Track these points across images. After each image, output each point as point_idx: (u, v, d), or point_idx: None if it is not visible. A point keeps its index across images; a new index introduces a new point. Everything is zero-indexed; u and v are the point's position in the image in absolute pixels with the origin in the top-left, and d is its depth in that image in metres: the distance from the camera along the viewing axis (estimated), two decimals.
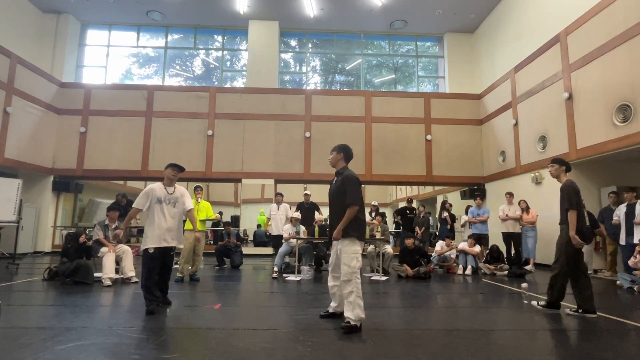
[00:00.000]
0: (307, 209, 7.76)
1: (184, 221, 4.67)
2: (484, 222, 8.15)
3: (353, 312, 3.13)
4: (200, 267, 7.66)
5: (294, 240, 6.79)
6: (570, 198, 3.94)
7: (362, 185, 14.94)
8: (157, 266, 3.83)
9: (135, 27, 12.89)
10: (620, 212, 6.23)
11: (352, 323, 3.12)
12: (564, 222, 4.00)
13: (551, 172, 4.25)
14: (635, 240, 5.83)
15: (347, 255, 3.27)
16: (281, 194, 7.81)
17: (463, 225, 8.73)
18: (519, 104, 9.30)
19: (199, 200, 6.29)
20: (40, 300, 4.42)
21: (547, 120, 8.23)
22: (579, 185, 7.60)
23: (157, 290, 3.85)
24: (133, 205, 3.87)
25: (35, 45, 11.60)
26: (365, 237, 3.65)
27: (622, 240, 6.10)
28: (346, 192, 3.31)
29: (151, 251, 3.78)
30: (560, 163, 4.19)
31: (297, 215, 7.33)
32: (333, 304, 3.57)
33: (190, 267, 6.02)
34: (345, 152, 3.54)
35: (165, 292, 4.03)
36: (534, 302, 4.20)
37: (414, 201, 13.07)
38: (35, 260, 8.62)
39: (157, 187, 3.95)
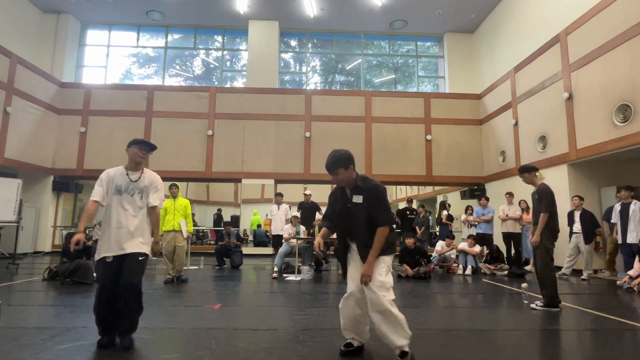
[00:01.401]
0: (307, 209, 7.76)
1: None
2: (489, 221, 8.15)
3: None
4: (201, 267, 7.67)
5: (294, 241, 6.80)
6: (547, 201, 4.15)
7: None
8: (112, 282, 2.67)
9: (135, 27, 12.88)
10: (615, 211, 6.24)
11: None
12: (537, 223, 4.20)
13: (524, 181, 4.44)
14: (631, 240, 5.84)
15: (381, 285, 2.43)
16: (281, 194, 7.80)
17: (465, 222, 8.72)
18: (519, 104, 9.30)
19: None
20: (40, 300, 4.42)
21: (547, 120, 8.23)
22: (579, 185, 7.68)
23: (112, 318, 2.70)
24: (91, 197, 2.76)
25: (35, 45, 11.59)
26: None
27: (620, 239, 6.12)
28: (377, 208, 2.50)
29: (109, 260, 2.69)
30: (529, 170, 4.37)
31: (297, 214, 7.34)
32: (343, 322, 2.72)
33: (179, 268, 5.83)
34: (353, 162, 2.57)
35: (125, 325, 2.71)
36: (533, 304, 4.19)
37: (414, 201, 13.08)
38: (35, 260, 8.62)
39: (116, 172, 2.89)
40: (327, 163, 2.55)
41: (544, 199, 4.16)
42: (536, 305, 4.16)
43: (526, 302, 4.44)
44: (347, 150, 2.60)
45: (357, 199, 2.55)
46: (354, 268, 2.58)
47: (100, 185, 2.81)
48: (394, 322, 2.37)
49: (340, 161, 2.52)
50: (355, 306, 2.55)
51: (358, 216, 2.55)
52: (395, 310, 2.37)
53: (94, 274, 5.45)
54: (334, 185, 2.76)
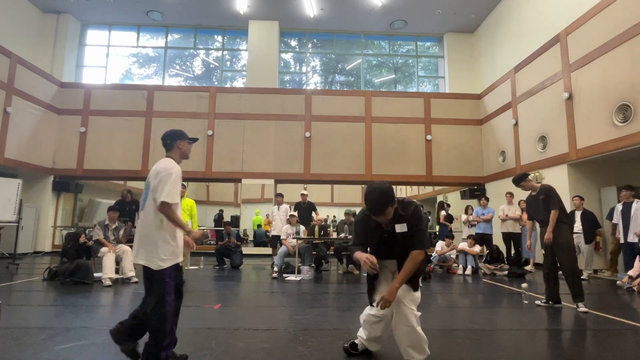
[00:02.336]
0: (304, 208, 7.78)
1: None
2: (488, 221, 8.15)
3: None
4: (201, 267, 7.67)
5: (294, 241, 6.80)
6: (557, 198, 4.20)
7: (363, 186, 14.75)
8: None
9: (135, 27, 12.88)
10: (617, 211, 6.26)
11: None
12: (559, 221, 4.16)
13: (524, 189, 4.52)
14: (632, 239, 5.87)
15: (412, 300, 2.36)
16: (281, 195, 7.80)
17: (465, 222, 8.72)
18: (519, 104, 9.30)
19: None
20: (40, 300, 4.42)
21: (547, 120, 8.23)
22: (579, 185, 7.69)
23: None
24: (171, 202, 2.28)
25: (35, 45, 11.59)
26: None
27: (622, 239, 6.14)
28: (415, 231, 2.34)
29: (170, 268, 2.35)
30: (523, 178, 4.46)
31: (295, 213, 7.37)
32: (363, 333, 2.58)
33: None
34: (394, 197, 2.32)
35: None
36: (582, 309, 3.95)
37: None
38: (35, 260, 8.63)
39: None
40: (374, 205, 2.25)
41: (553, 196, 4.19)
42: (585, 308, 3.95)
43: (526, 302, 4.45)
44: (383, 182, 2.33)
45: (402, 227, 2.35)
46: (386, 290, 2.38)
47: (179, 184, 2.39)
48: (416, 340, 2.34)
49: (387, 199, 2.26)
50: (386, 329, 2.49)
51: (402, 243, 2.38)
52: (420, 329, 2.33)
53: (94, 274, 5.47)
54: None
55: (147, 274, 2.33)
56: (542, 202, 4.25)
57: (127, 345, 2.38)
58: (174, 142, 2.54)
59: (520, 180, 4.46)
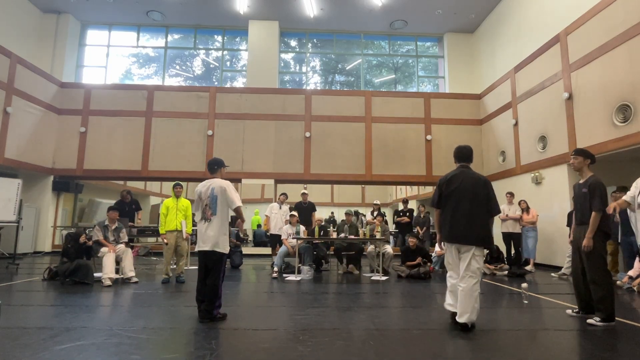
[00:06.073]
0: (305, 208, 7.76)
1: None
2: None
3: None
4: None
5: (294, 241, 6.79)
6: (602, 198, 3.53)
7: (363, 186, 14.74)
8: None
9: (135, 27, 12.88)
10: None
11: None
12: (587, 222, 3.55)
13: (574, 164, 3.83)
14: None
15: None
16: (285, 195, 7.78)
17: None
18: (519, 104, 9.30)
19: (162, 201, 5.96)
20: (40, 300, 4.42)
21: (547, 120, 8.23)
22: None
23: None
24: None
25: (35, 45, 11.59)
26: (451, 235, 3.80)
27: (620, 239, 6.13)
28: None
29: None
30: (585, 155, 3.76)
31: (295, 213, 7.36)
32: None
33: (176, 266, 6.02)
34: (455, 153, 3.85)
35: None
36: (591, 320, 3.49)
37: (409, 202, 13.09)
38: (35, 260, 8.62)
39: None
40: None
41: (598, 194, 3.52)
42: (595, 321, 3.45)
43: (526, 302, 4.44)
44: (460, 148, 3.86)
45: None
46: None
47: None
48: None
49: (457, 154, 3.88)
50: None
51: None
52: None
53: (94, 274, 5.47)
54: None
55: (217, 257, 3.59)
56: (584, 196, 3.60)
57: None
58: (219, 167, 3.98)
59: (582, 153, 3.78)
